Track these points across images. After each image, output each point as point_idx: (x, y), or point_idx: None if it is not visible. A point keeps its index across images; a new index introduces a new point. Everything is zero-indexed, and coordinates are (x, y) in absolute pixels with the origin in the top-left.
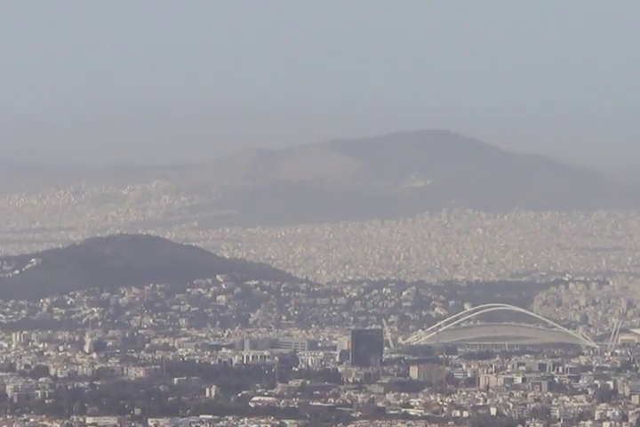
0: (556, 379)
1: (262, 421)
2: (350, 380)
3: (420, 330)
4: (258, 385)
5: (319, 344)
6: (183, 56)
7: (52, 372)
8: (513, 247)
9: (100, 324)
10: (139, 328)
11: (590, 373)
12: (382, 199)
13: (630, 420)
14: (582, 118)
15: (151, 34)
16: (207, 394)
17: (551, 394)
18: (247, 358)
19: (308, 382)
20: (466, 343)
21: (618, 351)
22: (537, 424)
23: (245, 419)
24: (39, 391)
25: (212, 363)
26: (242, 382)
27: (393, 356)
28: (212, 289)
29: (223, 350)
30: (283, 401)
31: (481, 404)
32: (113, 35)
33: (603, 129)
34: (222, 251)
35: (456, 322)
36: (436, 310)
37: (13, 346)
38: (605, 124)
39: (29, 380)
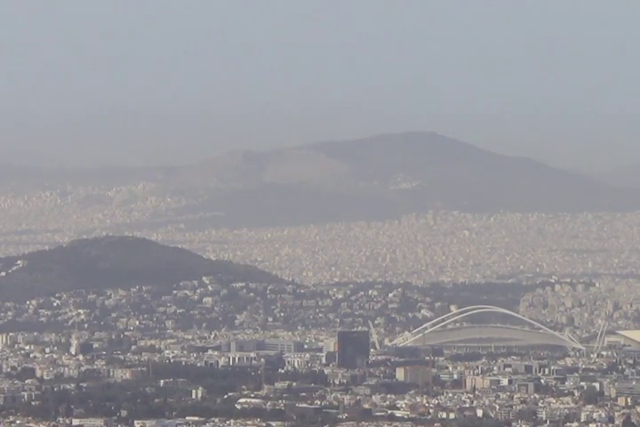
0: (542, 381)
1: (249, 423)
2: (337, 382)
3: (407, 332)
4: (244, 387)
5: (305, 346)
6: (170, 58)
7: (39, 374)
8: (499, 249)
9: (86, 326)
10: (125, 330)
11: (576, 374)
12: (368, 201)
13: (616, 422)
14: (569, 120)
15: (139, 35)
16: (193, 396)
17: (537, 396)
18: (233, 359)
19: (294, 383)
20: (452, 345)
21: (604, 353)
22: (523, 426)
23: (232, 421)
24: (25, 393)
25: (199, 365)
26: (228, 384)
27: (379, 358)
28: (198, 291)
29: (209, 351)
30: (269, 403)
31: (467, 406)
32: (99, 36)
33: (589, 131)
34: (208, 253)
35: (442, 324)
36: (422, 311)
37: None
38: (592, 126)
39: (16, 382)
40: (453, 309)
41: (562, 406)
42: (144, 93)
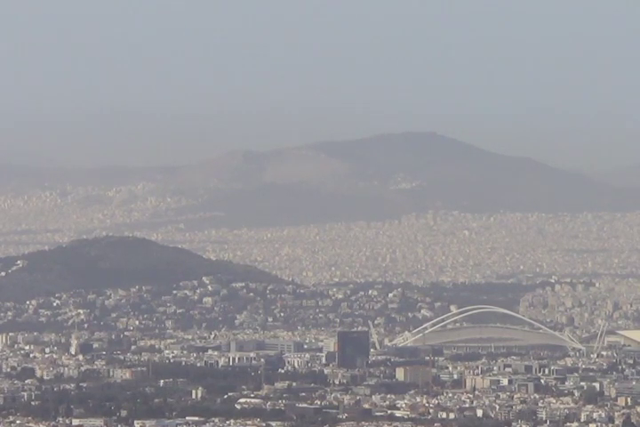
0: (542, 381)
1: (248, 423)
2: (336, 382)
3: (407, 332)
4: (244, 387)
5: (305, 346)
6: (170, 58)
7: (39, 374)
8: (499, 249)
9: (86, 326)
10: (125, 330)
11: (576, 374)
12: (368, 201)
13: (616, 422)
14: (568, 120)
15: (139, 34)
16: (193, 396)
17: (537, 396)
18: (233, 359)
19: (294, 383)
20: (452, 345)
21: (604, 353)
22: (523, 426)
23: (231, 421)
24: (25, 393)
25: (199, 365)
26: (228, 384)
27: (379, 358)
28: (198, 291)
29: (209, 351)
30: (269, 403)
31: (467, 406)
32: (100, 36)
33: (589, 131)
34: (208, 253)
35: (442, 324)
36: (422, 311)
37: None
38: (592, 126)
39: (15, 382)
40: (453, 309)
41: (562, 406)
42: (144, 93)
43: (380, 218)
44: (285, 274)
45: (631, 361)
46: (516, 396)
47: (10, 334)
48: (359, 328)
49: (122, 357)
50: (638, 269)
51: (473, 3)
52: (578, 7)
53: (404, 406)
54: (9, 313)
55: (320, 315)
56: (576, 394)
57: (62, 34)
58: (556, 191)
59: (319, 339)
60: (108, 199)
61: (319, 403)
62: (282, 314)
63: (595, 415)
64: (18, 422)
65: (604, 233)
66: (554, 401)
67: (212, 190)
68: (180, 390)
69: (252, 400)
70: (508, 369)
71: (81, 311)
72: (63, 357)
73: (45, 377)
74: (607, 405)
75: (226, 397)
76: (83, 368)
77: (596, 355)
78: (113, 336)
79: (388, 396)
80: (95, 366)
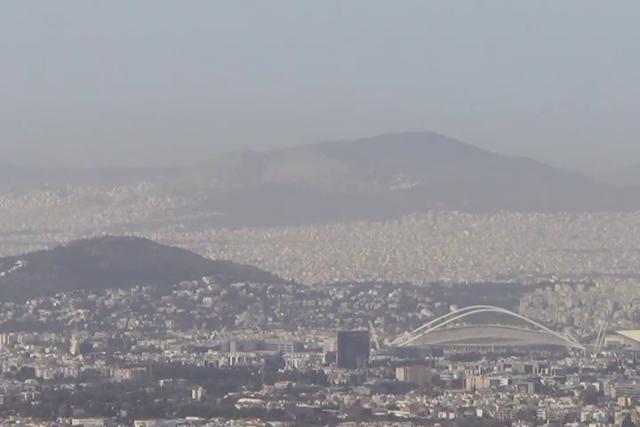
0: (542, 381)
1: (248, 423)
2: (336, 382)
3: (407, 332)
4: (244, 387)
5: (305, 346)
6: (170, 58)
7: (39, 374)
8: (499, 249)
9: (86, 326)
10: (125, 330)
11: (576, 374)
12: (368, 201)
13: (616, 422)
14: (568, 120)
15: (137, 33)
16: (193, 396)
17: (537, 396)
18: (233, 359)
19: (294, 383)
20: (452, 345)
21: (604, 353)
22: (523, 426)
23: (231, 421)
24: (25, 393)
25: (199, 365)
26: (228, 384)
27: (379, 358)
28: (198, 291)
29: (209, 351)
30: (269, 403)
31: (467, 406)
32: (98, 34)
33: (589, 131)
34: (208, 253)
35: (442, 324)
36: (422, 311)
37: None
38: (592, 126)
39: (15, 382)
40: (453, 309)
41: (562, 406)
42: (144, 93)
43: (380, 218)
44: (285, 274)
45: (631, 361)
46: (515, 396)
47: (10, 334)
48: (359, 328)
49: (122, 357)
50: (638, 269)
51: (473, 3)
52: (578, 7)
53: (403, 406)
54: (9, 313)
55: (320, 315)
56: (576, 394)
57: (62, 34)
58: (556, 191)
59: (319, 339)
60: (107, 199)
61: (319, 403)
62: (282, 314)
63: (595, 415)
64: (18, 422)
65: (604, 233)
66: (554, 401)
67: (212, 190)
68: (180, 390)
69: (252, 400)
70: (507, 369)
71: (81, 311)
72: (63, 357)
73: (45, 377)
74: (607, 405)
75: (226, 397)
76: (83, 368)
77: (595, 355)
78: (113, 336)
79: (388, 396)
80: (95, 366)
